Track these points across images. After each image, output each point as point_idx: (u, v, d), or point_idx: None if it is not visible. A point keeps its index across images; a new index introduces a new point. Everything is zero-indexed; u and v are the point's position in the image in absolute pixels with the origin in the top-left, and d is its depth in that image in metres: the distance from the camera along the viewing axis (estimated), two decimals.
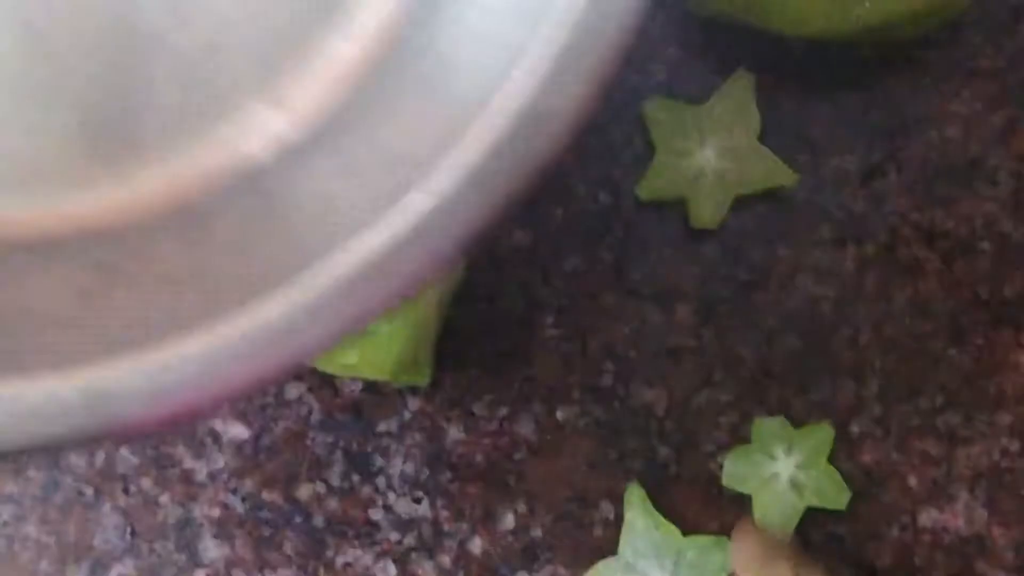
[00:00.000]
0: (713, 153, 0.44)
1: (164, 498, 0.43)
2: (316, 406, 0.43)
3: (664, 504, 0.43)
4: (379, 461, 0.43)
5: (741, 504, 0.43)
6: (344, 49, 0.33)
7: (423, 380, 0.42)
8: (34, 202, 0.32)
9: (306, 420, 0.43)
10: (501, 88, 0.27)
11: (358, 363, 0.38)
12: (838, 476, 0.42)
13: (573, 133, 0.28)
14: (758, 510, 0.42)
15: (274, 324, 0.27)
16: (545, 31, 0.27)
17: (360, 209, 0.28)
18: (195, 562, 0.42)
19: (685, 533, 0.43)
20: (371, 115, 0.32)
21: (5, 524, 0.42)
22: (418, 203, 0.27)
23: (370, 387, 0.43)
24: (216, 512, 0.43)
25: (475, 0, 0.31)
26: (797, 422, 0.43)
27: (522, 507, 0.43)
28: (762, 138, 0.44)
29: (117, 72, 0.33)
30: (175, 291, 0.29)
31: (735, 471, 0.43)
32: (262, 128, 0.33)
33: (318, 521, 0.42)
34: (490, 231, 0.28)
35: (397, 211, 0.27)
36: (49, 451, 0.37)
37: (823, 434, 0.42)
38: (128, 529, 0.42)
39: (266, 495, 0.43)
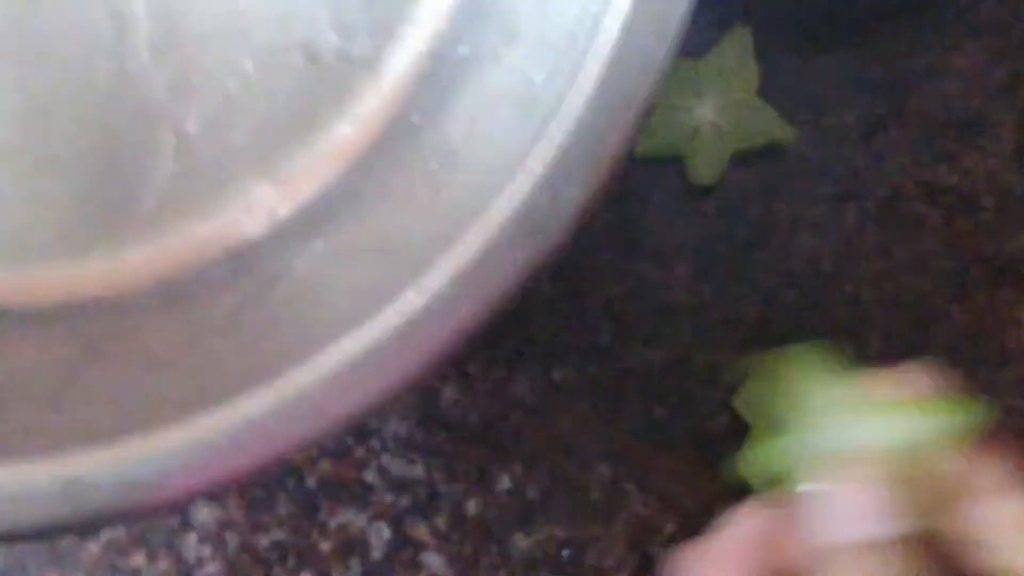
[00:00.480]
0: (711, 108, 0.43)
1: None
2: None
3: (661, 465, 0.42)
4: (373, 422, 0.42)
5: (733, 465, 0.42)
6: (348, 132, 0.33)
7: None
8: (25, 270, 0.32)
9: None
10: (502, 188, 0.27)
11: None
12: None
13: (569, 236, 0.27)
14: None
15: (256, 420, 0.26)
16: (551, 135, 0.27)
17: (352, 300, 0.27)
18: (187, 524, 0.41)
19: (683, 495, 0.42)
20: (369, 201, 0.32)
21: None
22: (409, 301, 0.26)
23: None
24: None
25: (487, 99, 0.31)
26: None
27: (518, 468, 0.42)
28: (761, 94, 0.43)
29: (116, 144, 0.32)
30: (158, 375, 0.29)
31: (752, 393, 0.42)
32: (258, 205, 0.32)
33: (311, 482, 0.42)
34: (482, 331, 0.27)
35: (389, 308, 0.26)
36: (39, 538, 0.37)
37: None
38: None
39: None
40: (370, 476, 0.42)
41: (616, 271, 0.43)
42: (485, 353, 0.43)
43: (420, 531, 0.42)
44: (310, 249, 0.31)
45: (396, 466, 0.42)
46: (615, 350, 0.43)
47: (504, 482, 0.42)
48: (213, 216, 0.32)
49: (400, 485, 0.42)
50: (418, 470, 0.42)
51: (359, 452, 0.42)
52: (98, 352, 0.29)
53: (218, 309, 0.30)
